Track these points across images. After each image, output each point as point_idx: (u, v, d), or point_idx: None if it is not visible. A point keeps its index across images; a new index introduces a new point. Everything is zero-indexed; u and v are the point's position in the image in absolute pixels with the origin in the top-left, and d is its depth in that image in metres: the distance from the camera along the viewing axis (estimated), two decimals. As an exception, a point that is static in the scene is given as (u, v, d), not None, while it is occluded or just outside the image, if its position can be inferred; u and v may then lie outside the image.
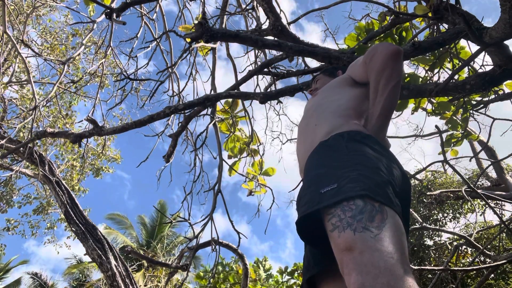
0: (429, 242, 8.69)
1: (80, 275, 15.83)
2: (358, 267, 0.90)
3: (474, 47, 2.30)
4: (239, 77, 4.33)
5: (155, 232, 17.05)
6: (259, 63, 4.28)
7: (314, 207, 1.05)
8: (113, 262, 4.93)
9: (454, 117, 3.12)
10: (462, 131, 3.21)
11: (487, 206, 4.28)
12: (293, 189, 1.70)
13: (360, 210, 0.98)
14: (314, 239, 1.15)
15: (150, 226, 17.45)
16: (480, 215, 7.65)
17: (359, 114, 1.42)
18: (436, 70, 2.88)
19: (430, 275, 7.47)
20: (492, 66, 2.23)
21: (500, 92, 2.73)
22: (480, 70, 2.53)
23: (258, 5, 3.77)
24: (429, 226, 5.05)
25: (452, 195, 8.18)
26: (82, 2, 7.80)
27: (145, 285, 12.96)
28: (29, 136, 4.56)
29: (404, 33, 2.81)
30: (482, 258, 6.55)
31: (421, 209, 9.11)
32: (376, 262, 0.89)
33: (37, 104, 4.61)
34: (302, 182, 1.30)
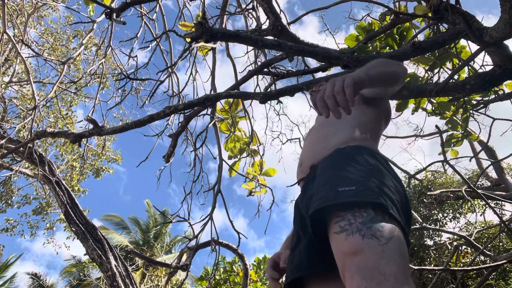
0: (429, 242, 8.70)
1: (80, 275, 15.83)
2: (362, 271, 0.91)
3: (474, 47, 2.30)
4: (239, 77, 4.33)
5: (150, 232, 17.04)
6: (259, 63, 4.28)
7: (329, 202, 1.05)
8: (113, 262, 4.93)
9: (454, 117, 3.12)
10: (462, 131, 3.21)
11: (487, 206, 4.28)
12: (291, 185, 1.70)
13: (371, 218, 0.99)
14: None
15: (145, 226, 17.45)
16: (480, 215, 7.65)
17: (375, 136, 1.47)
18: (436, 70, 2.88)
19: (430, 275, 7.47)
20: (492, 66, 2.23)
21: (500, 92, 2.73)
22: (480, 70, 2.53)
23: (258, 5, 3.77)
24: (429, 226, 5.04)
25: (452, 195, 8.18)
26: (82, 3, 7.80)
27: (144, 285, 12.96)
28: (29, 136, 4.56)
29: (404, 33, 2.81)
30: (482, 258, 6.55)
31: (421, 209, 9.11)
32: (382, 268, 0.89)
33: (37, 104, 4.61)
34: (313, 181, 1.28)
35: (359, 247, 0.94)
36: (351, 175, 1.12)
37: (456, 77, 2.81)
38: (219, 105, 4.32)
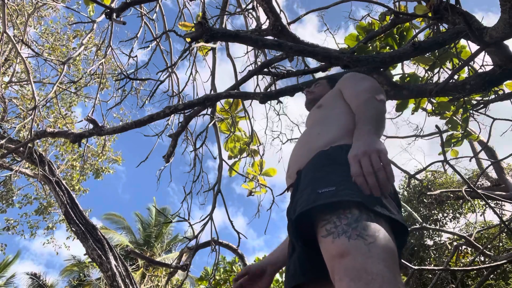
0: (429, 242, 8.69)
1: (80, 275, 15.83)
2: (350, 273, 0.91)
3: (474, 47, 2.30)
4: (239, 77, 4.33)
5: (151, 231, 17.03)
6: (259, 63, 4.28)
7: (309, 205, 1.05)
8: (113, 262, 4.93)
9: (454, 117, 3.12)
10: (462, 131, 3.21)
11: (487, 206, 4.28)
12: (280, 194, 1.68)
13: (355, 218, 0.99)
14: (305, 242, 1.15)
15: (146, 224, 17.43)
16: (480, 215, 7.65)
17: None
18: (436, 70, 2.88)
19: (430, 275, 7.46)
20: (492, 66, 2.23)
21: (500, 92, 2.73)
22: (480, 70, 2.53)
23: (258, 5, 3.77)
24: (429, 226, 5.05)
25: (452, 195, 8.18)
26: (82, 3, 7.80)
27: (144, 285, 12.96)
28: (29, 136, 4.56)
29: (404, 33, 2.81)
30: (482, 258, 6.55)
31: (421, 209, 9.11)
32: (369, 268, 0.90)
33: (37, 104, 4.62)
34: (298, 186, 1.28)
35: (345, 249, 0.95)
36: (331, 176, 1.12)
37: (456, 77, 2.81)
38: (219, 105, 4.32)
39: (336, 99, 1.54)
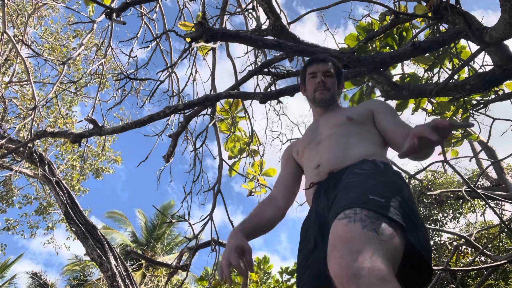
0: (429, 242, 8.67)
1: (81, 275, 15.81)
2: (350, 252, 0.91)
3: (474, 47, 2.30)
4: (239, 77, 4.33)
5: (154, 231, 17.02)
6: (259, 63, 4.27)
7: (359, 205, 1.06)
8: (113, 262, 4.93)
9: (454, 117, 3.12)
10: (462, 131, 3.21)
11: (487, 206, 4.28)
12: (307, 188, 1.68)
13: (377, 216, 1.02)
14: None
15: (148, 223, 17.41)
16: (480, 215, 7.65)
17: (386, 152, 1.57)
18: (436, 70, 2.88)
19: (430, 275, 7.44)
20: (492, 66, 2.23)
21: (500, 92, 2.73)
22: (480, 70, 2.53)
23: (258, 5, 3.77)
24: (429, 226, 5.04)
25: (452, 195, 8.17)
26: (83, 3, 7.79)
27: (145, 285, 12.96)
28: (29, 136, 4.56)
29: (404, 33, 2.81)
30: (482, 258, 6.55)
31: (421, 209, 9.11)
32: (369, 256, 0.90)
33: (37, 104, 4.62)
34: (336, 187, 1.30)
35: (356, 235, 0.95)
36: (381, 188, 1.16)
37: (456, 77, 2.81)
38: (219, 105, 4.32)
39: (368, 119, 1.61)
